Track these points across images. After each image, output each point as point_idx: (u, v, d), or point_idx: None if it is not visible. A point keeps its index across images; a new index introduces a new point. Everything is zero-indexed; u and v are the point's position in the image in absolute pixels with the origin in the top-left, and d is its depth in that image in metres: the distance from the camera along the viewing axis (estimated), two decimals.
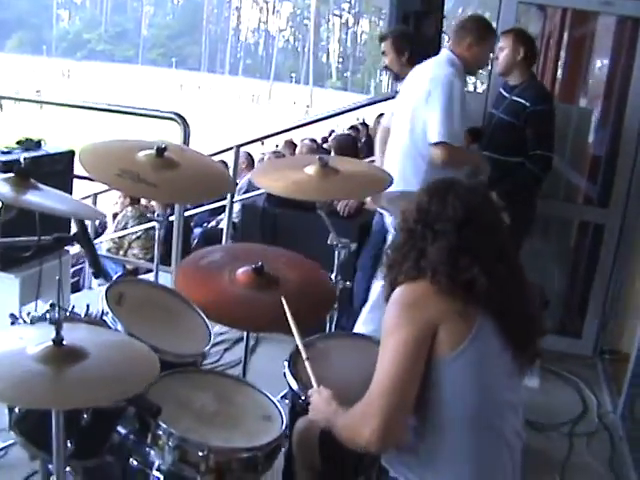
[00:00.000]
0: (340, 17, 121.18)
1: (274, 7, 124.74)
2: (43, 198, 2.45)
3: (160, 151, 2.99)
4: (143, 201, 8.70)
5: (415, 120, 4.53)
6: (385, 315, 2.25)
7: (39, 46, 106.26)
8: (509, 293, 2.28)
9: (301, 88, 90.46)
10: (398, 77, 5.49)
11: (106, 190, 7.95)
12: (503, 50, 5.16)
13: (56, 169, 4.83)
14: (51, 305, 2.71)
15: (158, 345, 2.53)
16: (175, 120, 5.02)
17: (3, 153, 4.67)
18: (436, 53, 6.54)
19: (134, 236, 8.08)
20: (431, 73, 4.58)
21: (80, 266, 7.33)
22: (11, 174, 2.46)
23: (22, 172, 2.43)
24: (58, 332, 1.84)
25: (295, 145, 11.26)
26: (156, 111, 5.50)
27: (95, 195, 8.15)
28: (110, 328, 2.55)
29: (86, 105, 6.01)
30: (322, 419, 2.45)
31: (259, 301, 3.13)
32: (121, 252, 8.09)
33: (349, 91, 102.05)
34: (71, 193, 5.22)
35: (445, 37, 6.90)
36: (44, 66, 76.77)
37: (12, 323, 2.54)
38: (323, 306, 3.36)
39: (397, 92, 5.64)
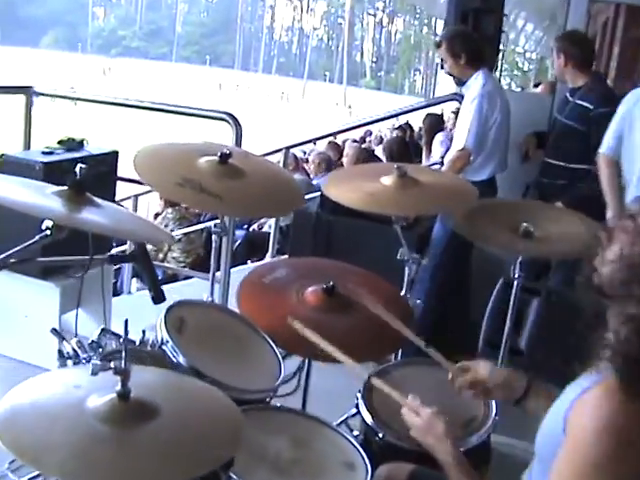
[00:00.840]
0: (374, 16, 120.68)
1: (308, 6, 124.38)
2: (101, 217, 2.11)
3: (224, 157, 2.66)
4: None
5: None
6: (590, 430, 1.62)
7: (74, 43, 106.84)
8: None
9: (335, 87, 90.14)
10: (461, 82, 5.17)
11: (147, 192, 7.70)
12: (553, 56, 4.94)
13: (100, 171, 4.56)
14: (102, 330, 2.43)
15: (224, 380, 2.23)
16: (227, 121, 4.73)
17: (44, 154, 4.40)
18: (496, 52, 6.22)
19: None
20: None
21: (117, 266, 7.05)
22: (64, 187, 2.11)
23: (77, 185, 2.08)
24: (124, 384, 1.51)
25: (338, 146, 10.96)
26: (207, 111, 5.22)
27: (136, 197, 7.88)
28: (171, 360, 2.24)
29: (134, 104, 5.74)
30: (432, 448, 2.16)
31: (330, 325, 2.79)
32: (160, 255, 7.82)
33: (383, 90, 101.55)
34: (115, 196, 4.96)
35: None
36: (79, 63, 77.01)
37: (60, 354, 2.24)
38: (400, 332, 3.00)
39: (461, 95, 5.35)
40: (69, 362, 2.25)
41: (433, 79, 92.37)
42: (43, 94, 5.67)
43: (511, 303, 3.29)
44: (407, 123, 14.73)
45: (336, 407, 3.09)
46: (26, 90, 5.51)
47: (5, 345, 4.50)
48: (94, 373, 1.47)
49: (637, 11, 9.30)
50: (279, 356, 2.61)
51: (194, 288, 5.90)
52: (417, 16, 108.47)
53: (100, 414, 1.49)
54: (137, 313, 5.48)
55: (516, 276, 3.22)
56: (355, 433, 2.66)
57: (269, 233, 7.28)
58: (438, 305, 4.89)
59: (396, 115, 7.06)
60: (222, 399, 1.71)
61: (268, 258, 6.64)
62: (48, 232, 1.94)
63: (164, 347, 2.30)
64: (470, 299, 5.39)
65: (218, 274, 5.24)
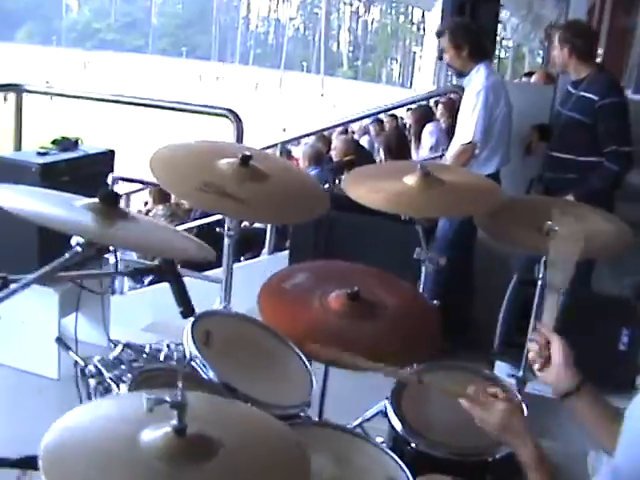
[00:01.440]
0: (351, 5, 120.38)
1: None
2: (138, 233, 1.96)
3: (245, 159, 2.54)
4: (173, 198, 8.34)
5: None
6: None
7: (49, 37, 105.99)
8: None
9: (312, 77, 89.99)
10: (462, 74, 5.09)
11: (139, 190, 7.59)
12: (555, 48, 4.82)
13: (96, 171, 4.43)
14: (125, 346, 2.31)
15: (258, 396, 2.12)
16: (227, 117, 4.62)
17: (39, 154, 4.27)
18: (494, 44, 6.13)
19: None
20: None
21: None
22: (94, 200, 1.96)
23: (110, 198, 1.94)
24: (181, 419, 1.37)
25: (327, 138, 10.83)
26: (208, 107, 5.10)
27: (128, 195, 7.75)
28: (203, 376, 2.13)
29: (132, 101, 5.56)
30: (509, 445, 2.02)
31: (355, 332, 2.68)
32: None
33: (360, 80, 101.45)
34: None
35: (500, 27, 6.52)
36: (55, 56, 76.38)
37: (83, 373, 2.11)
38: (428, 334, 2.89)
39: (462, 88, 5.28)
40: (91, 381, 2.13)
41: (410, 68, 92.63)
42: (33, 91, 5.52)
43: (535, 302, 3.19)
44: (391, 114, 14.59)
45: (346, 410, 2.98)
46: (16, 88, 5.35)
47: (2, 353, 4.36)
48: (150, 409, 1.34)
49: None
50: (308, 366, 2.50)
51: (189, 287, 5.76)
52: (393, 5, 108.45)
53: (157, 451, 1.36)
54: (131, 313, 5.38)
55: (540, 276, 3.12)
56: (379, 440, 2.56)
57: (262, 229, 7.17)
58: (443, 302, 4.81)
59: (394, 108, 6.98)
60: (280, 428, 1.58)
61: (265, 255, 6.53)
62: (79, 249, 1.80)
63: (192, 363, 2.18)
64: (474, 296, 5.32)
65: (212, 273, 5.14)
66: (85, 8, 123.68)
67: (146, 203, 9.38)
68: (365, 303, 2.75)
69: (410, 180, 2.85)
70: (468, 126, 4.80)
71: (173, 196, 8.55)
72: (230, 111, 4.62)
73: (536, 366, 2.18)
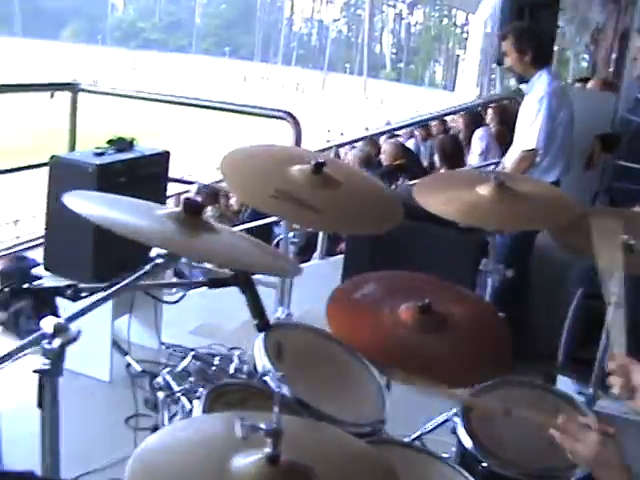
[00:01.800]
0: (394, 7, 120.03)
1: None
2: (221, 245, 1.86)
3: (318, 166, 2.46)
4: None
5: None
6: None
7: (94, 36, 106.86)
8: None
9: (355, 79, 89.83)
10: (522, 79, 4.98)
11: (185, 191, 7.57)
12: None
13: (152, 172, 4.39)
14: (194, 357, 2.25)
15: (333, 413, 2.05)
16: (286, 120, 4.55)
17: (96, 155, 4.22)
18: (551, 49, 5.99)
19: None
20: None
21: None
22: (178, 209, 1.88)
23: (194, 208, 1.84)
24: (275, 447, 1.30)
25: (375, 142, 10.76)
26: (265, 109, 5.05)
27: (178, 195, 7.72)
28: (277, 391, 2.05)
29: (186, 102, 5.51)
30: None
31: (427, 347, 2.59)
32: None
33: (403, 82, 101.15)
34: (166, 197, 4.79)
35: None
36: (100, 55, 77.04)
37: (152, 387, 2.06)
38: (500, 349, 2.77)
39: (522, 94, 5.17)
40: (160, 394, 2.07)
41: (453, 71, 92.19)
42: (89, 91, 5.49)
43: (607, 319, 3.08)
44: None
45: (403, 423, 2.90)
46: (72, 87, 5.33)
47: None
48: (245, 437, 1.26)
49: None
50: (380, 381, 2.42)
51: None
52: (437, 7, 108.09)
53: (249, 479, 1.27)
54: (178, 316, 5.34)
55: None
56: (444, 455, 2.48)
57: (313, 232, 7.08)
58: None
59: (448, 114, 6.88)
60: (369, 450, 1.50)
61: (316, 259, 6.46)
62: (160, 261, 1.73)
63: (265, 377, 2.11)
64: (529, 307, 5.19)
65: (261, 276, 5.07)
66: (130, 7, 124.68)
67: None
68: (436, 316, 2.66)
69: (484, 190, 2.76)
70: (530, 133, 4.69)
71: (221, 197, 8.56)
72: (289, 114, 4.56)
73: (625, 397, 2.02)
